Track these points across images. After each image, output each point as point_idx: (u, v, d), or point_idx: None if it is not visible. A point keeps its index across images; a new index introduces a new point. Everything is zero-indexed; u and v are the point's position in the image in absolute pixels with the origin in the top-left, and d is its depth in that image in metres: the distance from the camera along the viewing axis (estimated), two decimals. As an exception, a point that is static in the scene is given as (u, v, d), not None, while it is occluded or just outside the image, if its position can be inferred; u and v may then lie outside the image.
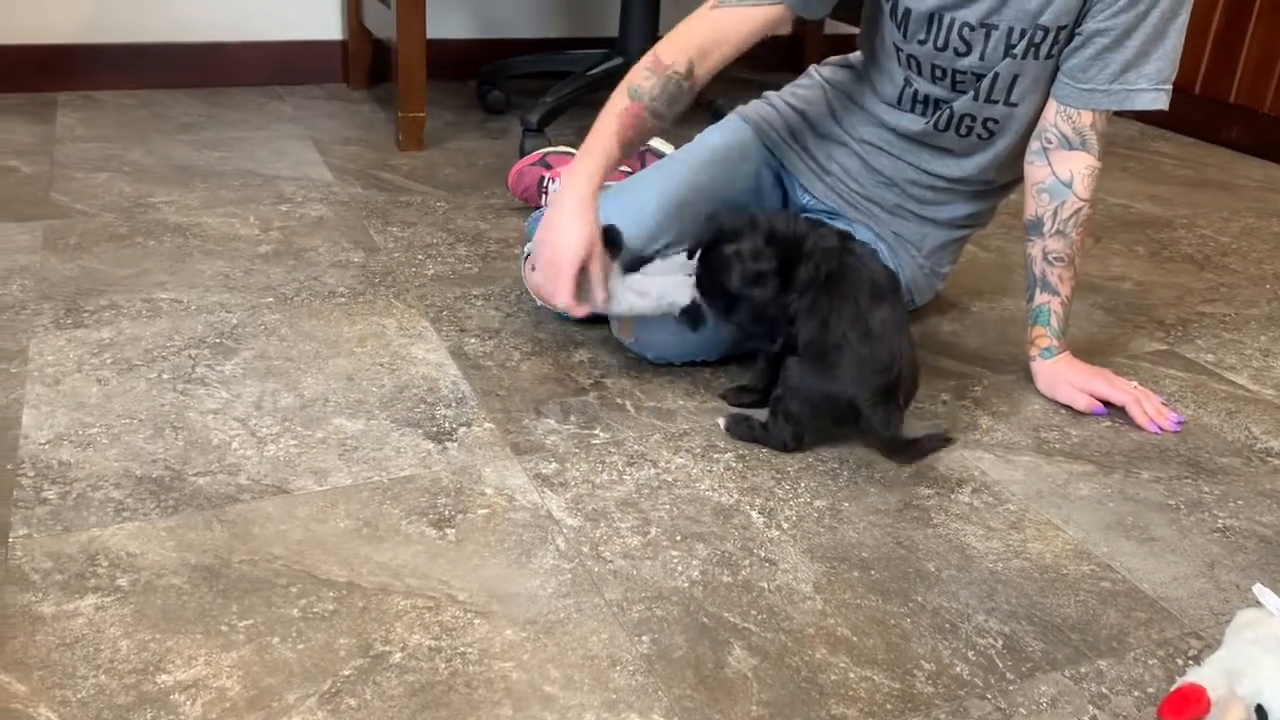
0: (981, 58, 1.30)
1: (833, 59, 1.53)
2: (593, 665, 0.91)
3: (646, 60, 1.31)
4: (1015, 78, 1.31)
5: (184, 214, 1.82)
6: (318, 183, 2.01)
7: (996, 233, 1.94)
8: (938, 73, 1.34)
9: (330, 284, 1.60)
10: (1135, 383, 1.40)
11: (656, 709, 0.87)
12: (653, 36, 2.42)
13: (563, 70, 2.41)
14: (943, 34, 1.30)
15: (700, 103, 2.29)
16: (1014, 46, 1.28)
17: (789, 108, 1.54)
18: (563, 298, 1.26)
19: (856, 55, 1.49)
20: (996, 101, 1.34)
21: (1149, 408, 1.36)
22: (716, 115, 1.69)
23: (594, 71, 2.35)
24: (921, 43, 1.32)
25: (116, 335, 1.41)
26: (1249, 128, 2.61)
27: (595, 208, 1.27)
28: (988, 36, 1.29)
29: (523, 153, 2.09)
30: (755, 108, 1.57)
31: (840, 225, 1.47)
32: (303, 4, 2.59)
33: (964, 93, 1.34)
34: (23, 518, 1.05)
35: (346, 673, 0.89)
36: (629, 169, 1.81)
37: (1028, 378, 1.43)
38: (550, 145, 1.99)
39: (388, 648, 0.91)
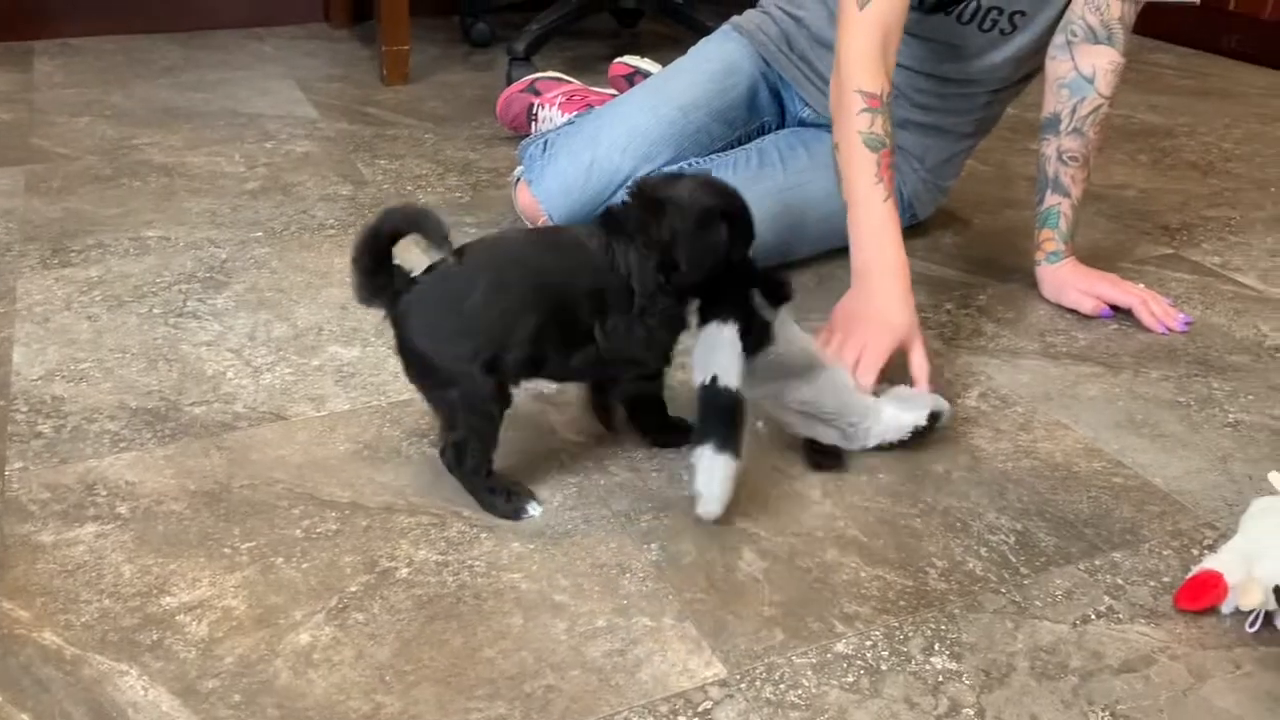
0: None
1: None
2: (602, 573, 0.90)
3: (853, 102, 1.15)
4: None
5: (168, 154, 1.78)
6: (302, 120, 1.97)
7: (996, 146, 1.90)
8: None
9: (320, 217, 1.57)
10: (1142, 285, 1.38)
11: (668, 612, 0.86)
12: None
13: (548, -1, 2.36)
14: None
15: (694, 27, 2.25)
16: None
17: (785, 14, 1.49)
18: (868, 376, 1.08)
19: None
20: None
21: (1156, 309, 1.33)
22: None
23: (579, -2, 2.30)
24: None
25: (105, 273, 1.38)
26: (1249, 35, 2.56)
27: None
28: None
29: (509, 82, 2.04)
30: (750, 17, 1.53)
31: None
32: (279, -59, 2.53)
33: None
34: (18, 451, 1.03)
35: (353, 589, 0.87)
36: (615, 92, 1.77)
37: (1032, 286, 1.41)
38: (538, 72, 1.95)
39: (394, 564, 0.90)
